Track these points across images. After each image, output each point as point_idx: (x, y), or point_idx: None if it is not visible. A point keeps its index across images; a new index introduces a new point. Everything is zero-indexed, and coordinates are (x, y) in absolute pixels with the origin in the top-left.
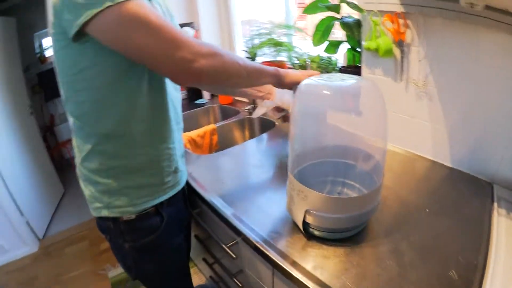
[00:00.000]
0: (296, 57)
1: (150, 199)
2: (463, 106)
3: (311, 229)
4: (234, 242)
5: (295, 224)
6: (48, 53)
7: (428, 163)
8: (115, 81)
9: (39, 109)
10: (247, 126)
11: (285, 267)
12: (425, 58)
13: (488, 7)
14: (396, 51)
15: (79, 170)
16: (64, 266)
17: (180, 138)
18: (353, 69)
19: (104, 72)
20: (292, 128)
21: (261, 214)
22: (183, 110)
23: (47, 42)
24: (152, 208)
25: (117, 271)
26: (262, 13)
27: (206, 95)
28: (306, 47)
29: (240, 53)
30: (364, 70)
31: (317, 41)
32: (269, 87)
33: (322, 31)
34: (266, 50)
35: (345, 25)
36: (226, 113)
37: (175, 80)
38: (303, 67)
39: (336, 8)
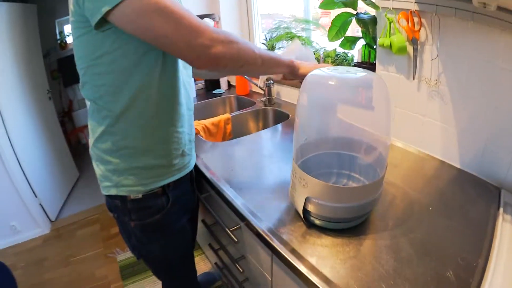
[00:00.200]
0: (313, 52)
1: (157, 179)
2: (474, 108)
3: (312, 218)
4: (237, 226)
5: (297, 213)
6: (69, 39)
7: (437, 163)
8: (131, 66)
9: (58, 94)
10: (261, 117)
11: (283, 253)
12: (438, 57)
13: (501, 8)
14: (410, 49)
15: (92, 150)
16: (74, 248)
17: (190, 123)
18: (368, 65)
19: (122, 57)
20: (297, 119)
21: (266, 202)
22: (201, 100)
23: (68, 29)
24: (159, 189)
25: (126, 255)
26: (285, 7)
27: (223, 85)
28: (326, 42)
29: (259, 45)
30: (378, 66)
31: (332, 37)
32: None
33: (338, 27)
34: (283, 43)
35: (360, 21)
36: (242, 104)
37: (193, 65)
38: (317, 61)
39: (353, 4)
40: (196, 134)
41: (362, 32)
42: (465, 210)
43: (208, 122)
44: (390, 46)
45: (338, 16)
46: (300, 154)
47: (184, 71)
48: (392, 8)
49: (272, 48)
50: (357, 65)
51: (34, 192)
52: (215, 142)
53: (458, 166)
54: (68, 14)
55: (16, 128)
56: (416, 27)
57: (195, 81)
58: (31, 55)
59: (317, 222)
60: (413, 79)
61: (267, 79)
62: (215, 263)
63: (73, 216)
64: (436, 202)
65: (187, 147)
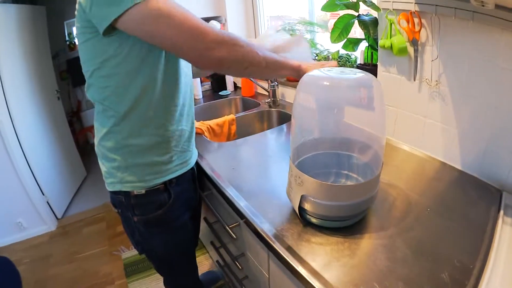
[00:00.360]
0: (317, 54)
1: (159, 176)
2: (475, 108)
3: (308, 216)
4: (236, 224)
5: (295, 212)
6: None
7: (438, 165)
8: (135, 68)
9: (67, 94)
10: (266, 118)
11: (279, 251)
12: (438, 58)
13: (499, 7)
14: (410, 50)
15: (97, 148)
16: (79, 245)
17: (190, 121)
18: (370, 67)
19: (127, 60)
20: (293, 119)
21: (265, 200)
22: (207, 101)
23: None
24: (161, 185)
25: (131, 253)
26: (294, 9)
27: (229, 86)
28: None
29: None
30: (379, 68)
31: (335, 38)
32: None
33: (340, 29)
34: None
35: (362, 23)
36: (247, 105)
37: (197, 66)
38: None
39: (354, 6)
40: (200, 134)
41: (364, 33)
42: (465, 212)
43: (212, 122)
44: (391, 47)
45: (340, 18)
46: (299, 154)
47: (186, 69)
48: (393, 9)
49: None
50: (360, 66)
51: (41, 190)
52: (219, 142)
53: (459, 167)
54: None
55: (25, 127)
56: (417, 28)
57: (201, 82)
58: (40, 56)
59: (313, 220)
60: (414, 80)
61: (271, 81)
62: (217, 261)
63: (79, 214)
64: (436, 204)
65: (187, 144)
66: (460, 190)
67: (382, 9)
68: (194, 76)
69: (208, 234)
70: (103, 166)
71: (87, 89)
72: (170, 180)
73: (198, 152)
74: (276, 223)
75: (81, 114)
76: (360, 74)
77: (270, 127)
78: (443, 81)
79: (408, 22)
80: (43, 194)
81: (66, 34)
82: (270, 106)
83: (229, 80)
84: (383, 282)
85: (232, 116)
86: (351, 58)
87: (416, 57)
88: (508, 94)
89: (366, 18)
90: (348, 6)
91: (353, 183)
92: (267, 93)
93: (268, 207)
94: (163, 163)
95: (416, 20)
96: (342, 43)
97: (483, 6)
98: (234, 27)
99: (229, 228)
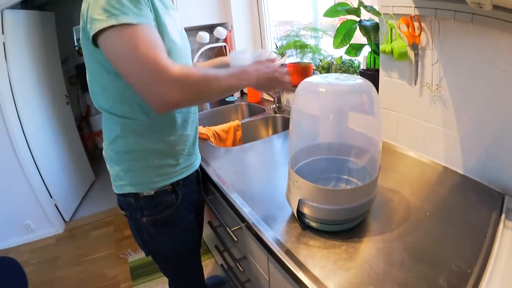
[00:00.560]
0: (320, 60)
1: (167, 178)
2: (476, 112)
3: (306, 220)
4: (238, 227)
5: (294, 215)
6: None
7: (440, 169)
8: None
9: (76, 99)
10: (271, 124)
11: (278, 254)
12: (439, 61)
13: (496, 7)
14: (411, 54)
15: (106, 152)
16: (87, 248)
17: (194, 126)
18: (373, 72)
19: None
20: (291, 126)
21: (267, 204)
22: (214, 107)
23: None
24: (169, 186)
25: (137, 256)
26: (302, 14)
27: (236, 93)
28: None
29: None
30: (381, 73)
31: (338, 44)
32: None
33: (343, 34)
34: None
35: (363, 28)
36: (253, 111)
37: (155, 110)
38: (326, 69)
39: (356, 11)
40: (206, 140)
41: (367, 39)
42: (466, 216)
43: (218, 128)
44: (392, 52)
45: (343, 23)
46: (298, 159)
47: None
48: (393, 14)
49: (281, 55)
50: (362, 72)
51: (49, 193)
52: (225, 147)
53: (461, 171)
54: None
55: (34, 131)
56: (417, 32)
57: None
58: (50, 61)
59: (312, 224)
60: (415, 84)
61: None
62: (221, 265)
63: (87, 217)
64: (437, 208)
65: (192, 147)
66: (462, 195)
67: (383, 14)
68: None
69: (213, 239)
70: (112, 169)
71: (92, 97)
72: (178, 182)
73: (204, 157)
74: (276, 226)
75: (90, 119)
76: (358, 80)
77: (275, 132)
78: (444, 85)
79: (408, 26)
80: (51, 197)
81: (75, 39)
82: (275, 112)
83: None
84: (379, 286)
85: (237, 122)
86: (354, 63)
87: (416, 61)
88: (509, 96)
89: (367, 23)
90: (349, 11)
91: (349, 187)
92: (272, 99)
93: (268, 211)
94: (171, 166)
95: (416, 24)
96: (345, 48)
97: (480, 7)
98: (240, 33)
99: (231, 231)
